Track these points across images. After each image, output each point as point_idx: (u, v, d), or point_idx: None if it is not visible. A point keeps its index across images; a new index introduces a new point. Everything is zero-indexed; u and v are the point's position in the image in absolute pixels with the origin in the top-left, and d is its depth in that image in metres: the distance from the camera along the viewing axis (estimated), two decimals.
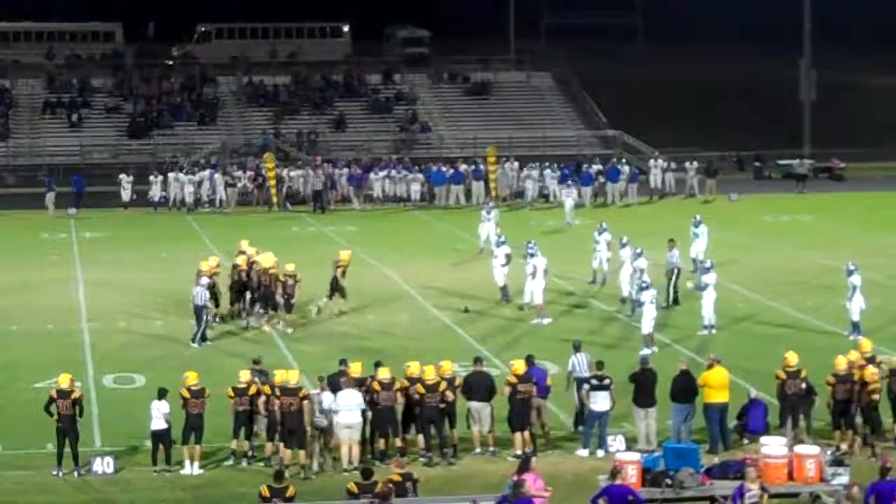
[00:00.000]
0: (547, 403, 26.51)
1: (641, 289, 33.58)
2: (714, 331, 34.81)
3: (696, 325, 35.32)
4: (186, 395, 25.17)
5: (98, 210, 60.04)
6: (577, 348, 27.46)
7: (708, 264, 36.05)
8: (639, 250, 37.93)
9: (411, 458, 25.33)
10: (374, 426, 25.65)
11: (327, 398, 25.41)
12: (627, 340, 34.27)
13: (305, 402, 25.14)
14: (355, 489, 21.34)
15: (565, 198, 56.38)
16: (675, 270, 38.67)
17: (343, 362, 26.59)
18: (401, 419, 25.84)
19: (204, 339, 34.41)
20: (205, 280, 34.88)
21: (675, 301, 38.30)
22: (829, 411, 25.93)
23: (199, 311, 34.38)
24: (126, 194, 61.18)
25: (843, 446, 25.33)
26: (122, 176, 61.89)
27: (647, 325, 32.93)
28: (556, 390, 26.93)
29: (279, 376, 25.57)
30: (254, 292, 36.35)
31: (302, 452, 25.02)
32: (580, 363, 27.01)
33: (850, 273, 34.50)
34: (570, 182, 59.05)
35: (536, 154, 69.06)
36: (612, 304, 38.48)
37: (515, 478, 20.52)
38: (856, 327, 34.01)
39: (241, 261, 36.98)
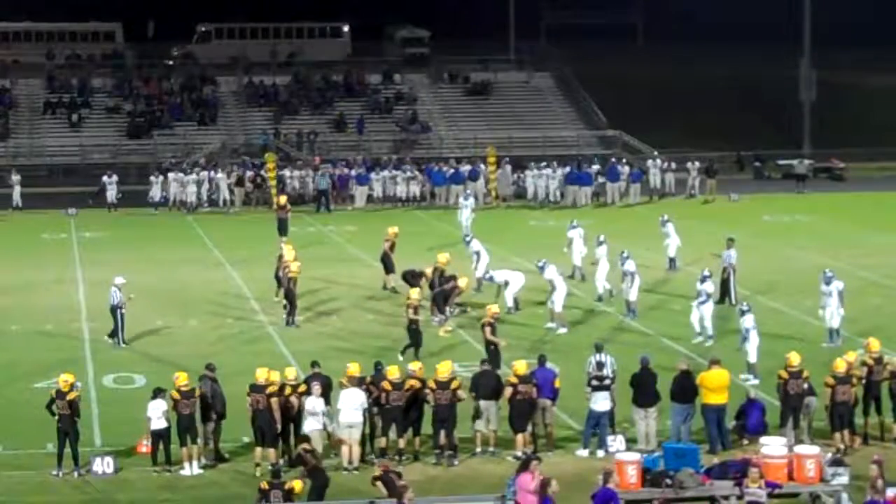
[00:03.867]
0: (552, 405, 26.47)
1: (743, 312, 31.19)
2: (710, 342, 33.74)
3: None
4: (177, 396, 25.10)
5: (98, 210, 60.01)
6: (599, 349, 27.46)
7: (707, 272, 35.60)
8: (625, 253, 37.59)
9: (409, 459, 25.37)
10: (382, 425, 25.66)
11: (310, 403, 25.28)
12: (618, 338, 34.21)
13: (273, 399, 25.08)
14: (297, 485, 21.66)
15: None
16: (731, 269, 38.58)
17: (315, 364, 26.44)
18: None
19: (117, 337, 34.56)
20: (118, 280, 34.98)
21: (726, 299, 38.25)
22: (826, 413, 25.88)
23: (113, 312, 34.54)
24: (111, 195, 60.42)
25: (843, 447, 25.36)
26: (105, 178, 60.90)
27: (753, 354, 30.44)
28: (564, 393, 26.90)
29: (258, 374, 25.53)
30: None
31: (272, 451, 25.03)
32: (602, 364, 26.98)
33: (828, 281, 33.89)
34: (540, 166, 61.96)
35: (536, 154, 69.11)
36: (611, 306, 38.49)
37: (541, 478, 20.56)
38: (835, 333, 33.43)
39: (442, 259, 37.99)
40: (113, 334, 34.58)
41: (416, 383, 25.81)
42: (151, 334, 35.99)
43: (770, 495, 21.58)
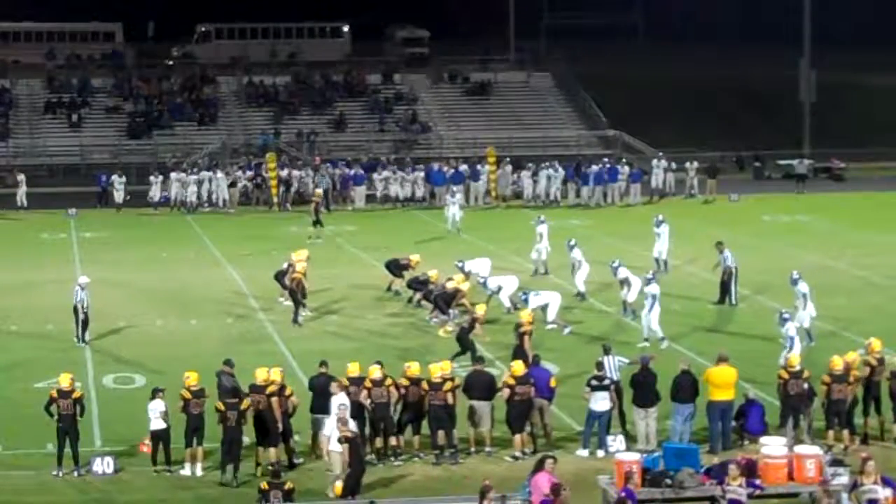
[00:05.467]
0: (549, 404, 26.47)
1: (783, 320, 30.74)
2: (647, 344, 33.28)
3: (699, 325, 35.22)
4: (188, 396, 25.01)
5: (98, 210, 60.01)
6: (607, 350, 27.43)
7: (650, 275, 35.24)
8: (615, 263, 37.27)
9: (407, 458, 25.38)
10: (371, 425, 25.65)
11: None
12: (618, 338, 34.17)
13: (273, 399, 25.04)
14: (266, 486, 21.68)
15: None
16: (731, 271, 38.49)
17: (323, 363, 26.49)
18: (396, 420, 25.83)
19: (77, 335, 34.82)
20: (82, 280, 35.17)
21: (727, 301, 38.17)
22: (822, 410, 25.91)
23: (75, 311, 34.80)
24: (118, 195, 60.72)
25: (840, 446, 25.38)
26: (115, 177, 61.31)
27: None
28: (560, 391, 26.89)
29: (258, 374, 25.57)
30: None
31: (272, 450, 24.94)
32: (611, 365, 26.99)
33: (795, 282, 33.77)
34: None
35: (536, 154, 69.11)
36: (611, 306, 38.50)
37: (556, 481, 20.60)
38: (808, 335, 32.96)
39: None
40: (80, 336, 34.66)
41: (402, 381, 25.77)
42: (152, 334, 36.00)
43: (751, 496, 21.51)
